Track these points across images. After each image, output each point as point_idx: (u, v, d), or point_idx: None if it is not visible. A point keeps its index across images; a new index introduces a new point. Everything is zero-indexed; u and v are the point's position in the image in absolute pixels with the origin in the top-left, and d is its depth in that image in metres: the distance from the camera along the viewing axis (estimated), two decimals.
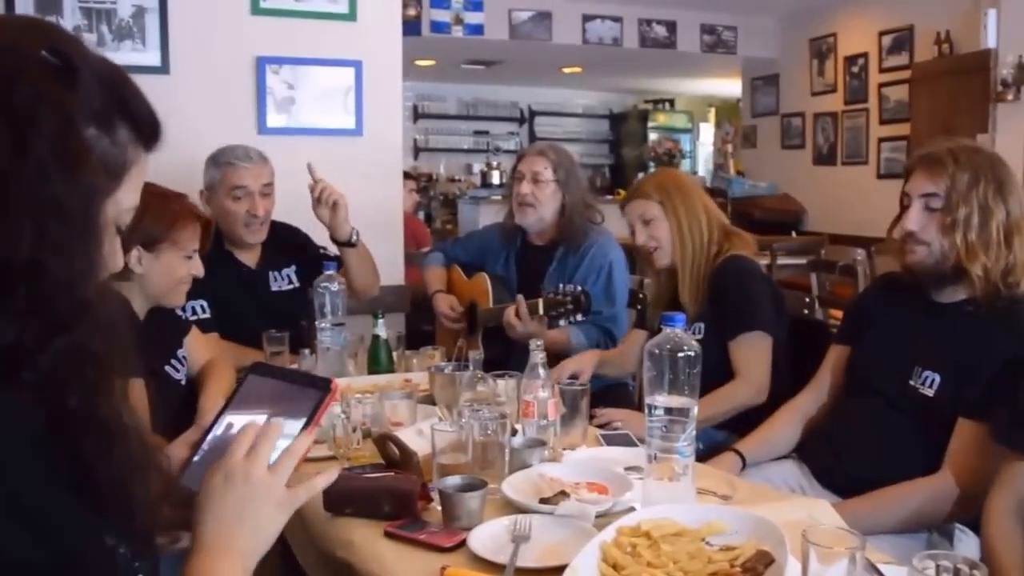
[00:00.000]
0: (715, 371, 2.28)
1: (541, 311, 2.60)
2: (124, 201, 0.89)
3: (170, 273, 2.13)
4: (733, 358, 2.32)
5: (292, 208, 3.00)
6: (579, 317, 2.58)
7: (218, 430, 1.08)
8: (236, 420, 1.08)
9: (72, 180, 0.79)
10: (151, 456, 0.93)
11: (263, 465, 0.99)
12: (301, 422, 1.06)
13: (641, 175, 10.52)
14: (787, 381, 2.30)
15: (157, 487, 0.92)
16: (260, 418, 1.06)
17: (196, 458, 1.07)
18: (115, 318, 0.87)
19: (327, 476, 1.07)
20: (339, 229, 2.77)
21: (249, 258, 2.86)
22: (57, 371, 0.79)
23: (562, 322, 2.61)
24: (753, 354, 2.31)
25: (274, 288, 2.89)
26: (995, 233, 1.79)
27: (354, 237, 2.82)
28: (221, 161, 2.77)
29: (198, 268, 2.20)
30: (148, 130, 0.90)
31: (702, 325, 2.36)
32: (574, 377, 2.45)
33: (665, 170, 2.65)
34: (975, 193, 1.79)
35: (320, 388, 1.08)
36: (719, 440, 2.30)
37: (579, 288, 2.54)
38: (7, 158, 0.76)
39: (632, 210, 2.48)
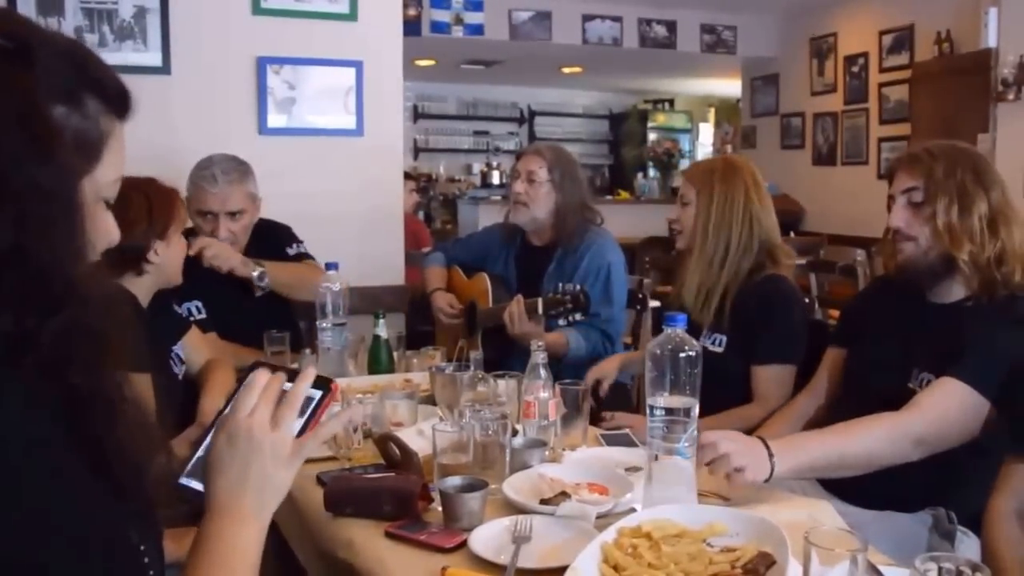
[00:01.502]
0: (733, 387, 2.27)
1: (540, 310, 2.60)
2: (107, 174, 0.88)
3: (180, 252, 2.23)
4: (757, 380, 2.28)
5: (291, 210, 3.00)
6: (578, 316, 2.58)
7: None
8: None
9: (45, 162, 0.78)
10: (156, 436, 0.94)
11: (265, 421, 0.99)
12: (300, 421, 1.06)
13: (640, 175, 10.62)
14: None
15: (162, 466, 0.93)
16: None
17: (199, 453, 1.07)
18: (111, 297, 0.87)
19: (334, 423, 1.07)
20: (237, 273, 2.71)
21: None
22: (56, 351, 0.79)
23: (561, 321, 2.60)
24: (780, 383, 2.27)
25: (258, 292, 2.86)
26: (977, 220, 1.80)
27: (260, 281, 2.74)
28: (194, 178, 2.74)
29: (187, 244, 2.31)
30: (117, 98, 0.88)
31: (724, 338, 2.31)
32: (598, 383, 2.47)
33: (729, 160, 2.49)
34: (953, 181, 1.81)
35: (320, 388, 1.08)
36: None
37: (578, 287, 2.54)
38: None
39: (682, 186, 2.49)
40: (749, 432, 2.25)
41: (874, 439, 1.73)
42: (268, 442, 0.98)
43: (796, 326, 2.33)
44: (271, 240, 2.96)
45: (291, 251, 2.94)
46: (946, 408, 1.73)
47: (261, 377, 1.03)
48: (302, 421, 1.06)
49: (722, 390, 2.13)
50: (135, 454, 0.86)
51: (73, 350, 0.81)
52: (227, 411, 1.00)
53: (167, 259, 2.17)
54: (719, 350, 2.30)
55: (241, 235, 2.81)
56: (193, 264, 2.60)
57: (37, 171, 0.77)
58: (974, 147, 1.96)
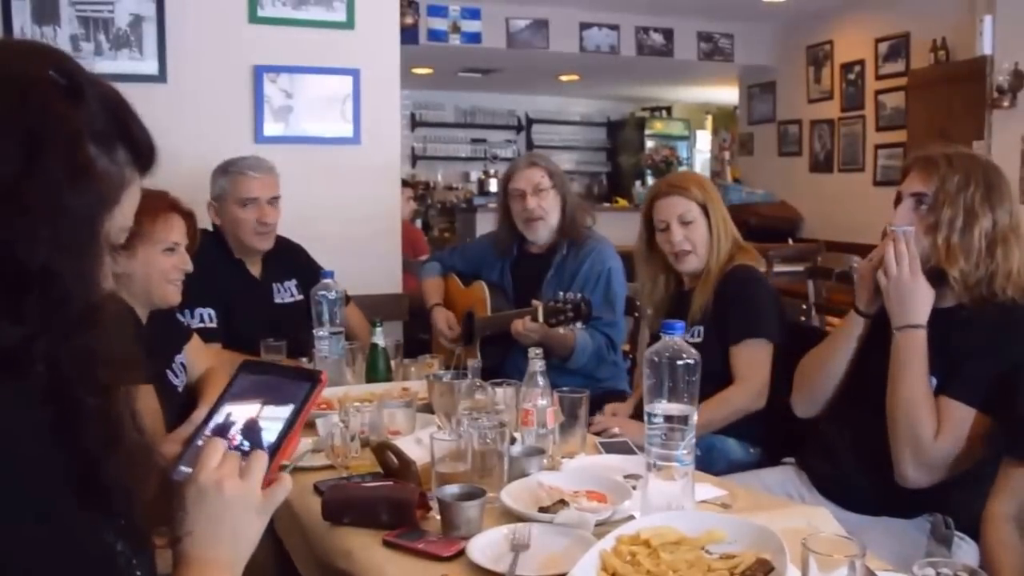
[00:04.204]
0: (714, 375, 2.27)
1: (540, 318, 2.60)
2: (119, 221, 0.91)
3: (150, 268, 2.08)
4: (734, 363, 2.33)
5: (288, 218, 3.00)
6: (579, 325, 2.57)
7: (218, 419, 1.09)
8: (234, 410, 1.10)
9: (81, 190, 0.83)
10: (152, 456, 0.95)
11: (234, 473, 0.99)
12: (291, 407, 1.07)
13: (638, 182, 10.62)
14: (786, 387, 2.30)
15: (155, 487, 0.94)
16: (254, 407, 1.08)
17: (199, 441, 1.08)
18: (123, 323, 0.91)
19: (281, 491, 1.04)
20: None
21: (254, 268, 2.87)
22: (68, 371, 0.82)
23: (561, 329, 2.60)
24: (755, 359, 2.31)
25: (277, 300, 2.89)
26: (977, 239, 1.79)
27: None
28: (231, 171, 2.79)
29: (184, 262, 2.15)
30: (145, 153, 0.93)
31: (701, 328, 2.36)
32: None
33: (696, 173, 2.63)
34: (963, 196, 1.80)
35: (310, 380, 1.10)
36: (734, 453, 2.32)
37: (579, 295, 2.54)
38: (21, 168, 0.80)
39: (671, 207, 2.40)
40: (732, 417, 2.28)
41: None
42: (238, 494, 0.98)
43: (760, 302, 2.38)
44: (303, 262, 2.99)
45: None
46: (954, 431, 1.75)
47: (223, 442, 1.03)
48: (291, 412, 1.07)
49: (704, 379, 2.13)
50: (131, 476, 0.87)
51: (85, 372, 0.83)
52: (196, 469, 1.00)
53: (132, 272, 2.04)
54: (698, 340, 2.33)
55: (277, 224, 2.84)
56: (212, 270, 2.61)
57: (72, 198, 0.82)
58: (990, 159, 1.93)
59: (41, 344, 0.80)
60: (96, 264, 0.86)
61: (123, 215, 0.92)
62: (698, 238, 2.39)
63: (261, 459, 1.01)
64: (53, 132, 0.82)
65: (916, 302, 1.82)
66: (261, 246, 2.81)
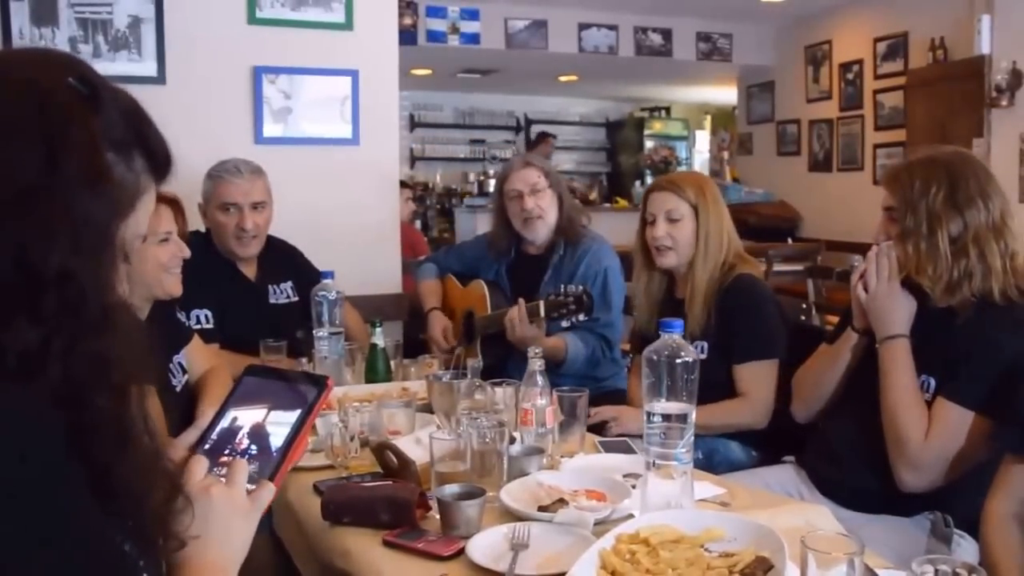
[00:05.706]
0: (719, 388, 2.28)
1: (542, 313, 2.59)
2: (134, 229, 0.93)
3: (149, 262, 2.07)
4: (739, 380, 2.31)
5: (287, 219, 3.00)
6: (582, 317, 2.56)
7: (224, 423, 1.10)
8: (240, 414, 1.10)
9: (98, 195, 0.84)
10: (161, 459, 0.96)
11: (218, 481, 1.01)
12: (298, 413, 1.07)
13: (638, 183, 10.63)
14: (784, 391, 2.29)
15: (164, 489, 0.94)
16: (260, 412, 1.09)
17: (206, 446, 1.08)
18: (135, 326, 0.92)
19: (266, 494, 1.06)
20: None
21: (249, 270, 2.87)
22: (83, 375, 0.82)
23: (564, 323, 2.60)
24: (762, 379, 2.31)
25: (272, 301, 2.89)
26: (942, 243, 1.78)
27: None
28: (213, 175, 2.79)
29: (181, 248, 2.14)
30: (162, 162, 0.95)
31: (704, 344, 2.33)
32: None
33: (702, 175, 2.60)
34: (924, 202, 1.80)
35: (317, 385, 1.10)
36: (735, 456, 2.32)
37: (580, 288, 2.53)
38: (39, 173, 0.81)
39: (661, 202, 2.40)
40: (732, 429, 2.29)
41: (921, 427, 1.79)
42: (224, 498, 1.00)
43: (769, 321, 2.36)
44: (298, 264, 2.99)
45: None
46: (946, 432, 1.76)
47: (203, 459, 1.04)
48: (298, 418, 1.07)
49: (708, 395, 2.13)
50: (142, 478, 0.88)
51: (99, 376, 0.84)
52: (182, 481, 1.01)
53: (131, 271, 2.01)
54: (702, 356, 2.30)
55: (264, 228, 2.83)
56: (206, 271, 2.60)
57: (89, 204, 0.83)
58: (962, 155, 1.91)
59: (57, 345, 0.81)
60: (112, 269, 0.87)
61: (138, 222, 0.93)
62: (681, 237, 2.37)
63: (242, 466, 1.03)
64: (71, 139, 0.83)
65: (894, 314, 1.86)
66: (241, 252, 2.80)
